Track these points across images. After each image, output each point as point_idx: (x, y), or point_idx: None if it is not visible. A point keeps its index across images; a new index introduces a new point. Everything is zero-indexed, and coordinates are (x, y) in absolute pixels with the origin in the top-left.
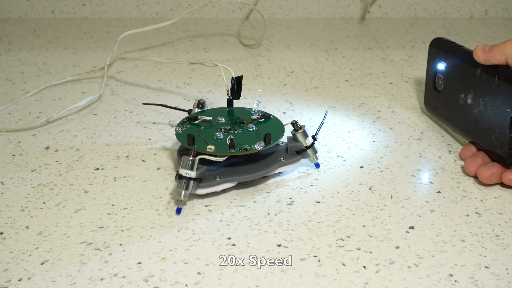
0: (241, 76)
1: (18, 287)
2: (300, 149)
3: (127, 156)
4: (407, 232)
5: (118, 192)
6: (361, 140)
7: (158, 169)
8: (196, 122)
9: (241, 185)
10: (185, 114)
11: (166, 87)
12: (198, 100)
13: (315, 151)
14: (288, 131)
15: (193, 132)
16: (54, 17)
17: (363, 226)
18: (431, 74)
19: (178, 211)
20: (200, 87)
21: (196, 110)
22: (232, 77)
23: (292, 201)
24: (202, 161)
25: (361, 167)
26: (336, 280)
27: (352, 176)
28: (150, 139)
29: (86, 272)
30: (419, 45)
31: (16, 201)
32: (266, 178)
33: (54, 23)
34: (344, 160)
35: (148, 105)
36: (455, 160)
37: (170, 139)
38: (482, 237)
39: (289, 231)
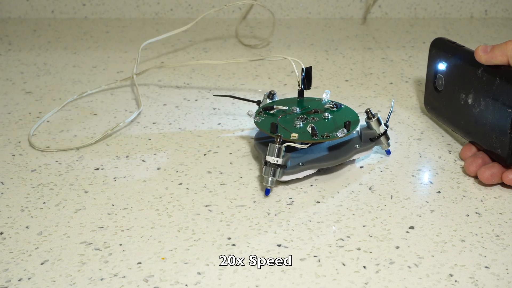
0: (310, 67)
1: (18, 287)
2: (373, 137)
3: (127, 156)
4: (407, 232)
5: (118, 192)
6: (387, 129)
7: (158, 169)
8: (272, 111)
9: (241, 185)
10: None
11: (166, 87)
12: (269, 91)
13: (387, 138)
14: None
15: (271, 121)
16: (54, 17)
17: (363, 226)
18: (432, 74)
19: (267, 192)
20: (201, 87)
21: (267, 100)
22: (302, 68)
23: (292, 201)
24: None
25: (361, 167)
26: (336, 280)
27: (352, 176)
28: (150, 139)
29: (86, 272)
30: (419, 45)
31: (16, 201)
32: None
33: (54, 23)
34: None
35: (148, 105)
36: (455, 160)
37: (171, 139)
38: (482, 237)
39: (289, 231)
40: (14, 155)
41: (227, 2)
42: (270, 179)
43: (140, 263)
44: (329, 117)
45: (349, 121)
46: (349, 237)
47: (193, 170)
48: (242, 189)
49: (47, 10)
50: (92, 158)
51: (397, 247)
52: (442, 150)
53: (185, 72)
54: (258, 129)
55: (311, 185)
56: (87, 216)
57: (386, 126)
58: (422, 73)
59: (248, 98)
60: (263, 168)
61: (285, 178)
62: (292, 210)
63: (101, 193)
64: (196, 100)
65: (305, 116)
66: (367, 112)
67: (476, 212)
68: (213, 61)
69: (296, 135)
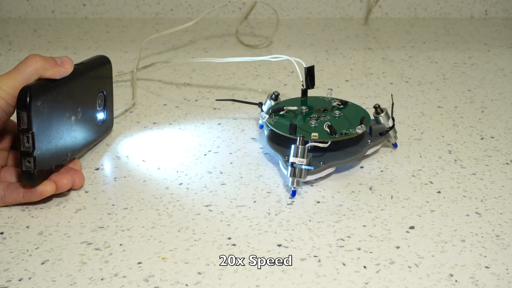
0: (313, 66)
1: (19, 287)
2: (383, 131)
3: (127, 156)
4: (407, 232)
5: (119, 192)
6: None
7: (158, 169)
8: (282, 113)
9: (241, 185)
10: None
11: (167, 87)
12: (273, 92)
13: (395, 132)
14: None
15: (285, 122)
16: (55, 17)
17: (363, 226)
18: None
19: (293, 194)
20: (201, 87)
21: (270, 102)
22: (305, 67)
23: (292, 201)
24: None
25: (361, 167)
26: (337, 280)
27: (352, 176)
28: (150, 139)
29: (87, 272)
30: (419, 45)
31: None
32: (264, 177)
33: (55, 23)
34: None
35: (149, 105)
36: (455, 160)
37: (171, 139)
38: (482, 237)
39: (289, 231)
40: None
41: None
42: (296, 180)
43: (140, 263)
44: (340, 114)
45: (365, 117)
46: (349, 237)
47: (193, 170)
48: (242, 189)
49: (48, 10)
50: (92, 158)
51: (397, 247)
52: (442, 150)
53: (186, 72)
54: (269, 130)
55: (311, 185)
56: (88, 216)
57: (393, 119)
58: (422, 73)
59: (250, 101)
60: (288, 170)
61: (309, 177)
62: (292, 210)
63: (101, 193)
64: (196, 100)
65: (317, 115)
66: (376, 107)
67: (476, 212)
68: (214, 59)
69: (317, 134)
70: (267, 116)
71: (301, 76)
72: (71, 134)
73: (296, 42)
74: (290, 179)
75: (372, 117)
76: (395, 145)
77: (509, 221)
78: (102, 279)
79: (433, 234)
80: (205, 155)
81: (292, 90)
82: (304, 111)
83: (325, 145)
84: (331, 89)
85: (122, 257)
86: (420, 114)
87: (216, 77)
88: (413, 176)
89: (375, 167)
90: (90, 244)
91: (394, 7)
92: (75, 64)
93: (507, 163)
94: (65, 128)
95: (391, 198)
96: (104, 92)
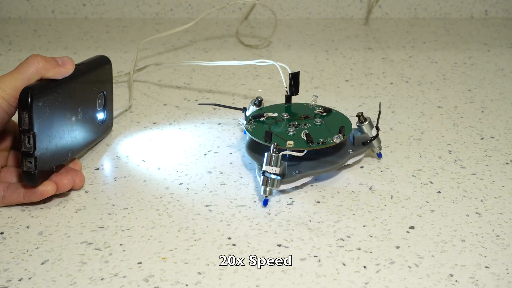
0: (298, 72)
1: (19, 287)
2: (366, 140)
3: (127, 156)
4: (407, 232)
5: (119, 192)
6: (379, 132)
7: (158, 169)
8: (262, 119)
9: (241, 185)
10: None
11: (167, 87)
12: (257, 98)
13: (379, 141)
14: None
15: (263, 129)
16: (55, 17)
17: (363, 226)
18: None
19: (265, 203)
20: (201, 87)
21: (253, 108)
22: (289, 73)
23: (292, 201)
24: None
25: (361, 167)
26: (337, 280)
27: (352, 176)
28: (150, 139)
29: (87, 272)
30: (419, 45)
31: None
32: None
33: (55, 23)
34: None
35: (149, 105)
36: (455, 160)
37: (171, 139)
38: (482, 237)
39: (289, 231)
40: None
41: (229, 2)
42: (268, 189)
43: (140, 263)
44: (321, 122)
45: (344, 126)
46: (349, 237)
47: (193, 170)
48: (242, 189)
49: (48, 10)
50: (92, 158)
51: (397, 247)
52: (442, 150)
53: (185, 72)
54: (248, 137)
55: (311, 185)
56: (88, 216)
57: (378, 129)
58: (422, 73)
59: (235, 106)
60: (260, 179)
61: (283, 187)
62: (292, 210)
63: (101, 193)
64: (196, 100)
65: (297, 123)
66: (359, 116)
67: (476, 212)
68: (201, 62)
69: (292, 142)
70: (245, 122)
71: (285, 82)
72: (72, 134)
73: (296, 42)
74: (262, 188)
75: (355, 126)
76: (379, 155)
77: (509, 221)
78: (102, 279)
79: (433, 234)
80: (205, 155)
81: None
82: (285, 117)
83: (300, 154)
84: (316, 96)
85: (122, 257)
86: (420, 114)
87: (216, 77)
88: (413, 176)
89: (375, 167)
90: (90, 244)
91: (394, 7)
92: (75, 64)
93: (507, 163)
94: (65, 128)
95: (391, 198)
96: (104, 92)
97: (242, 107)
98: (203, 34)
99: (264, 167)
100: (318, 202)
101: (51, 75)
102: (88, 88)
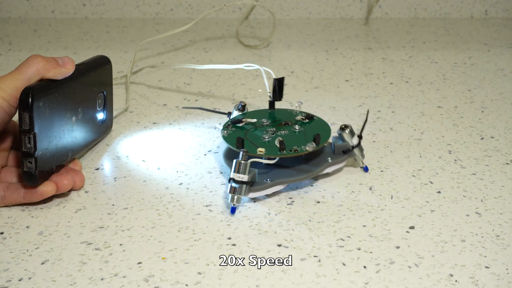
0: (283, 78)
1: (19, 287)
2: (346, 149)
3: (127, 156)
4: (407, 232)
5: (119, 192)
6: (361, 140)
7: (158, 169)
8: (241, 124)
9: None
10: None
11: (167, 87)
12: (240, 102)
13: (361, 150)
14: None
15: (240, 135)
16: (55, 17)
17: (363, 226)
18: None
19: (232, 211)
20: (201, 87)
21: (237, 112)
22: (274, 78)
23: (292, 201)
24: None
25: (361, 167)
26: (337, 280)
27: (352, 176)
28: (150, 139)
29: (87, 272)
30: (419, 45)
31: None
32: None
33: (55, 23)
34: None
35: (149, 105)
36: (455, 160)
37: (171, 139)
38: (482, 237)
39: (289, 231)
40: None
41: (227, 2)
42: (236, 197)
43: (140, 263)
44: (300, 129)
45: (319, 134)
46: (349, 237)
47: (193, 170)
48: None
49: (48, 10)
50: (92, 158)
51: (397, 247)
52: (442, 150)
53: (185, 72)
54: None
55: (311, 185)
56: (88, 216)
57: (360, 137)
58: (422, 73)
59: (218, 110)
60: (228, 186)
61: (252, 195)
62: (292, 210)
63: (101, 193)
64: (196, 100)
65: (275, 129)
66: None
67: (476, 212)
68: (192, 65)
69: (263, 150)
70: (221, 127)
71: (268, 87)
72: (72, 134)
73: (296, 42)
74: (230, 195)
75: (336, 134)
76: (365, 169)
77: (509, 221)
78: (102, 279)
79: (433, 234)
80: (205, 155)
81: (292, 90)
82: (265, 123)
83: (271, 162)
84: (301, 102)
85: (122, 257)
86: (420, 114)
87: (216, 77)
88: (413, 176)
89: (375, 167)
90: (90, 244)
91: (394, 7)
92: (75, 65)
93: (507, 163)
94: (66, 128)
95: (391, 198)
96: (104, 92)
97: (226, 112)
98: (203, 34)
99: (232, 174)
100: (318, 202)
101: (51, 75)
102: (88, 88)
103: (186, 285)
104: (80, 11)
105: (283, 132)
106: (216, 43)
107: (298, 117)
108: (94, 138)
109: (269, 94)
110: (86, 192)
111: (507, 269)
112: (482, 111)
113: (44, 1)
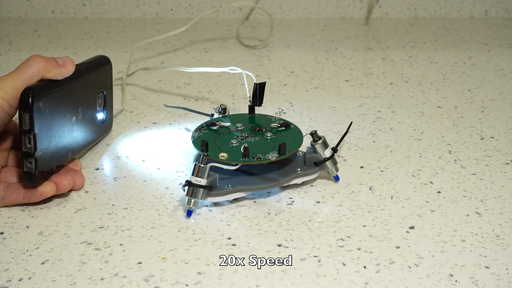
0: (264, 83)
1: (19, 287)
2: (318, 161)
3: (127, 156)
4: (407, 232)
5: (119, 192)
6: (361, 140)
7: (158, 169)
8: (215, 128)
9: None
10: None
11: (167, 87)
12: (220, 105)
13: (334, 163)
14: (306, 141)
15: (209, 138)
16: (55, 17)
17: (363, 226)
18: None
19: (189, 213)
20: (201, 87)
21: (217, 115)
22: (255, 83)
23: (292, 201)
24: (215, 169)
25: (361, 167)
26: (337, 280)
27: (352, 176)
28: (150, 139)
29: (87, 272)
30: (419, 45)
31: None
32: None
33: (55, 23)
34: (344, 160)
35: (149, 104)
36: (455, 160)
37: (171, 139)
38: (482, 237)
39: (289, 231)
40: None
41: (225, 4)
42: (192, 200)
43: (140, 263)
44: (272, 137)
45: (284, 144)
46: (349, 237)
47: None
48: None
49: (48, 10)
50: (92, 158)
51: (397, 247)
52: (442, 150)
53: (185, 72)
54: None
55: (311, 185)
56: (88, 216)
57: (335, 150)
58: (422, 73)
59: (202, 112)
60: (185, 188)
61: (211, 199)
62: (292, 210)
63: (101, 193)
64: (196, 100)
65: (246, 135)
66: (312, 134)
67: (476, 212)
68: (183, 68)
69: (225, 155)
70: (192, 129)
71: (248, 92)
72: (72, 135)
73: (296, 42)
74: (187, 198)
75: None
76: (336, 178)
77: (509, 221)
78: (102, 279)
79: (433, 234)
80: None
81: (292, 90)
82: (239, 128)
83: (232, 168)
84: (282, 109)
85: (122, 257)
86: (420, 114)
87: (216, 77)
88: (413, 176)
89: (375, 167)
90: (90, 244)
91: (394, 7)
92: (75, 65)
93: (507, 163)
94: (66, 128)
95: (391, 198)
96: (104, 92)
97: (210, 113)
98: (203, 34)
99: (190, 177)
100: (318, 202)
101: (51, 76)
102: (88, 88)
103: (186, 285)
104: (80, 11)
105: (254, 138)
106: (216, 43)
107: (273, 124)
108: (94, 138)
109: (249, 98)
110: (86, 192)
111: (507, 269)
112: (482, 111)
113: (44, 1)
